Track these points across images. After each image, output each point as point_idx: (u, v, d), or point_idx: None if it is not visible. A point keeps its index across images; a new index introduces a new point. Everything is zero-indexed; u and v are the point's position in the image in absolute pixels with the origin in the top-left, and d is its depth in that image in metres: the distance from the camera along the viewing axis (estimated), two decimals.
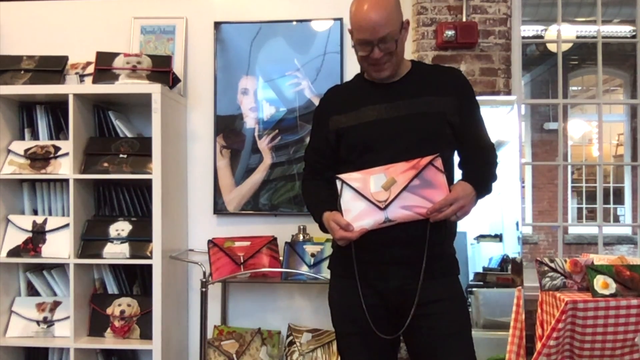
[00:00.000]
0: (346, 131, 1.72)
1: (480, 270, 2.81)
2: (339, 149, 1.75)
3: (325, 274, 2.29)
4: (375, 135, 1.68)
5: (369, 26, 1.61)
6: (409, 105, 1.68)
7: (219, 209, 2.84)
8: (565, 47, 5.27)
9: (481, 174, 1.71)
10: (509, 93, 2.77)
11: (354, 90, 1.81)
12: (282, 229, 2.73)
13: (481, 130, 1.77)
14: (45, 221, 2.57)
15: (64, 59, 2.66)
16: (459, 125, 1.70)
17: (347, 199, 1.62)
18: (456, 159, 1.79)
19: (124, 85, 2.53)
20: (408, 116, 1.67)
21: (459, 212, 1.60)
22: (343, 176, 1.64)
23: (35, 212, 2.69)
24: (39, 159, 2.56)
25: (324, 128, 1.78)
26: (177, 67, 2.80)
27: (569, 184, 8.39)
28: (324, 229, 1.73)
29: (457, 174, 1.76)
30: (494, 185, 1.75)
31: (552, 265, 2.20)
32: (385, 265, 1.66)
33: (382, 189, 1.59)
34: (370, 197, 1.60)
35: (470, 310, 2.74)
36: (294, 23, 2.84)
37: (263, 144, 2.81)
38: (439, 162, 1.61)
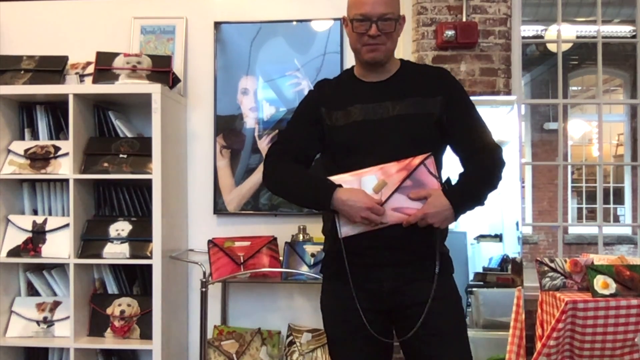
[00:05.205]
0: (333, 131, 1.69)
1: (480, 270, 2.81)
2: (324, 148, 1.74)
3: None
4: (362, 136, 1.66)
5: (371, 0, 1.61)
6: (397, 106, 1.66)
7: (219, 209, 2.84)
8: (565, 47, 5.27)
9: (468, 185, 1.66)
10: (509, 93, 2.77)
11: (343, 87, 1.77)
12: (282, 229, 2.73)
13: (477, 130, 1.72)
14: (45, 221, 2.57)
15: (64, 59, 2.66)
16: (448, 125, 1.68)
17: None
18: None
19: (124, 85, 2.53)
20: (396, 117, 1.66)
21: (435, 224, 1.58)
22: (334, 178, 1.62)
23: (35, 212, 2.68)
24: (39, 159, 2.56)
25: (312, 115, 1.74)
26: (177, 67, 2.80)
27: (569, 184, 8.38)
28: (321, 206, 1.64)
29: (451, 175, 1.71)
30: (494, 190, 1.68)
31: (552, 265, 2.20)
32: (378, 268, 1.65)
33: (372, 191, 1.58)
34: None
35: (470, 310, 2.74)
36: (294, 23, 2.84)
37: (263, 144, 2.81)
38: (431, 163, 1.60)
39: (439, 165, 1.69)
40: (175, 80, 2.68)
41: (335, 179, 1.61)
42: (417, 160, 1.59)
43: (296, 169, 1.72)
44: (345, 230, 1.61)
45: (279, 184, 1.75)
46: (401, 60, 1.78)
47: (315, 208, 1.77)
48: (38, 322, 2.57)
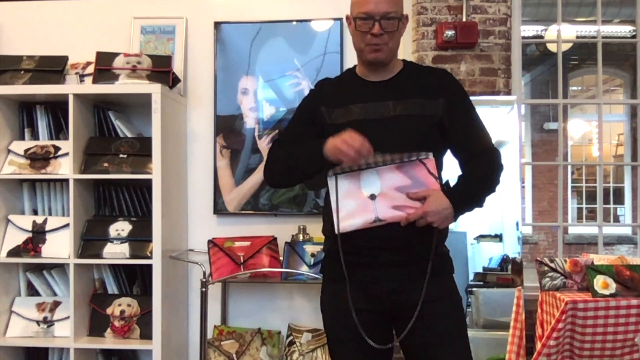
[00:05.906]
0: (333, 129, 1.67)
1: (480, 270, 2.81)
2: None
3: None
4: (362, 135, 1.63)
5: None
6: (398, 106, 1.66)
7: (219, 209, 2.84)
8: (565, 47, 5.26)
9: (468, 187, 1.67)
10: (509, 93, 2.77)
11: (344, 86, 1.78)
12: (282, 229, 2.73)
13: (477, 133, 1.72)
14: (45, 221, 2.57)
15: (64, 59, 2.66)
16: (449, 127, 1.68)
17: (338, 197, 1.62)
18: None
19: (124, 85, 2.53)
20: (397, 117, 1.66)
21: (434, 224, 1.58)
22: (335, 170, 1.62)
23: (35, 212, 2.68)
24: (39, 159, 2.56)
25: (312, 114, 1.75)
26: (177, 67, 2.80)
27: (569, 184, 8.38)
28: (314, 155, 1.63)
29: (448, 177, 1.72)
30: (493, 193, 1.70)
31: (552, 265, 2.20)
32: (376, 268, 1.64)
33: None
34: (360, 196, 1.59)
35: (470, 310, 2.74)
36: (294, 23, 2.84)
37: (263, 144, 2.81)
38: (431, 163, 1.61)
39: (439, 166, 1.70)
40: (175, 80, 2.68)
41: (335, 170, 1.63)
42: (416, 157, 1.60)
43: (291, 148, 1.72)
44: (343, 225, 1.61)
45: (277, 164, 1.75)
46: (404, 61, 1.79)
47: (311, 165, 1.69)
48: (38, 322, 2.57)
